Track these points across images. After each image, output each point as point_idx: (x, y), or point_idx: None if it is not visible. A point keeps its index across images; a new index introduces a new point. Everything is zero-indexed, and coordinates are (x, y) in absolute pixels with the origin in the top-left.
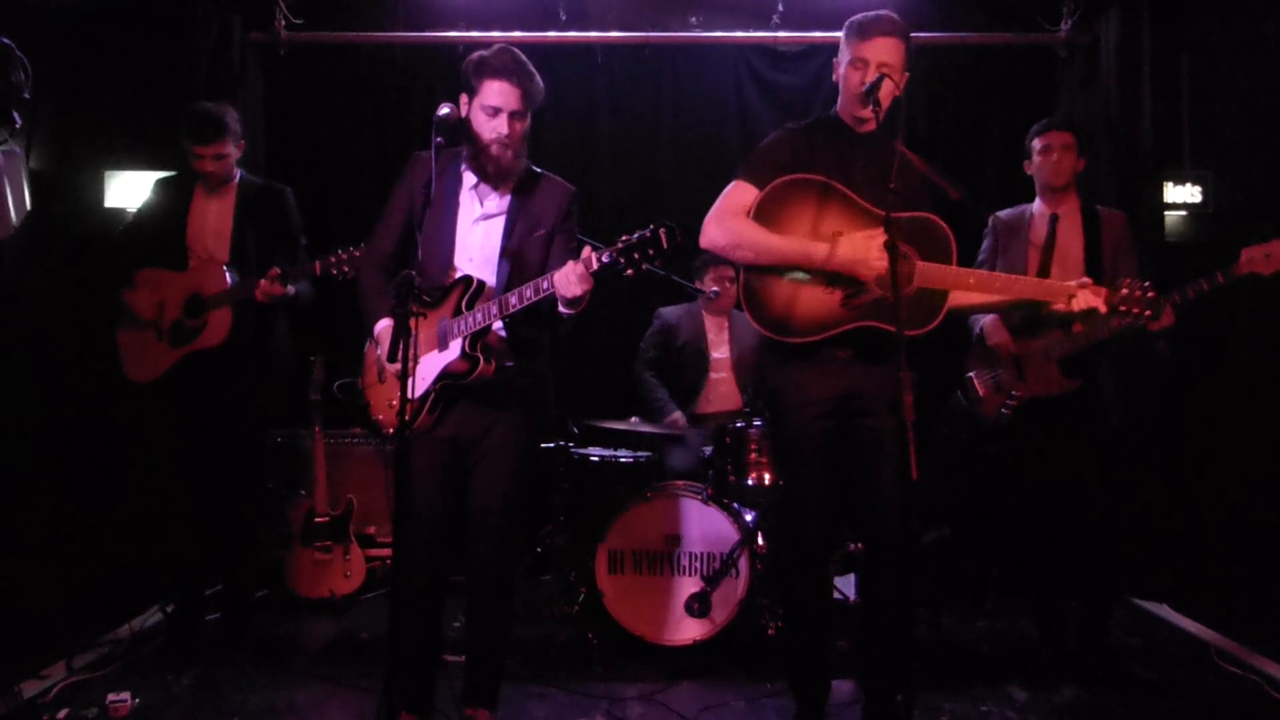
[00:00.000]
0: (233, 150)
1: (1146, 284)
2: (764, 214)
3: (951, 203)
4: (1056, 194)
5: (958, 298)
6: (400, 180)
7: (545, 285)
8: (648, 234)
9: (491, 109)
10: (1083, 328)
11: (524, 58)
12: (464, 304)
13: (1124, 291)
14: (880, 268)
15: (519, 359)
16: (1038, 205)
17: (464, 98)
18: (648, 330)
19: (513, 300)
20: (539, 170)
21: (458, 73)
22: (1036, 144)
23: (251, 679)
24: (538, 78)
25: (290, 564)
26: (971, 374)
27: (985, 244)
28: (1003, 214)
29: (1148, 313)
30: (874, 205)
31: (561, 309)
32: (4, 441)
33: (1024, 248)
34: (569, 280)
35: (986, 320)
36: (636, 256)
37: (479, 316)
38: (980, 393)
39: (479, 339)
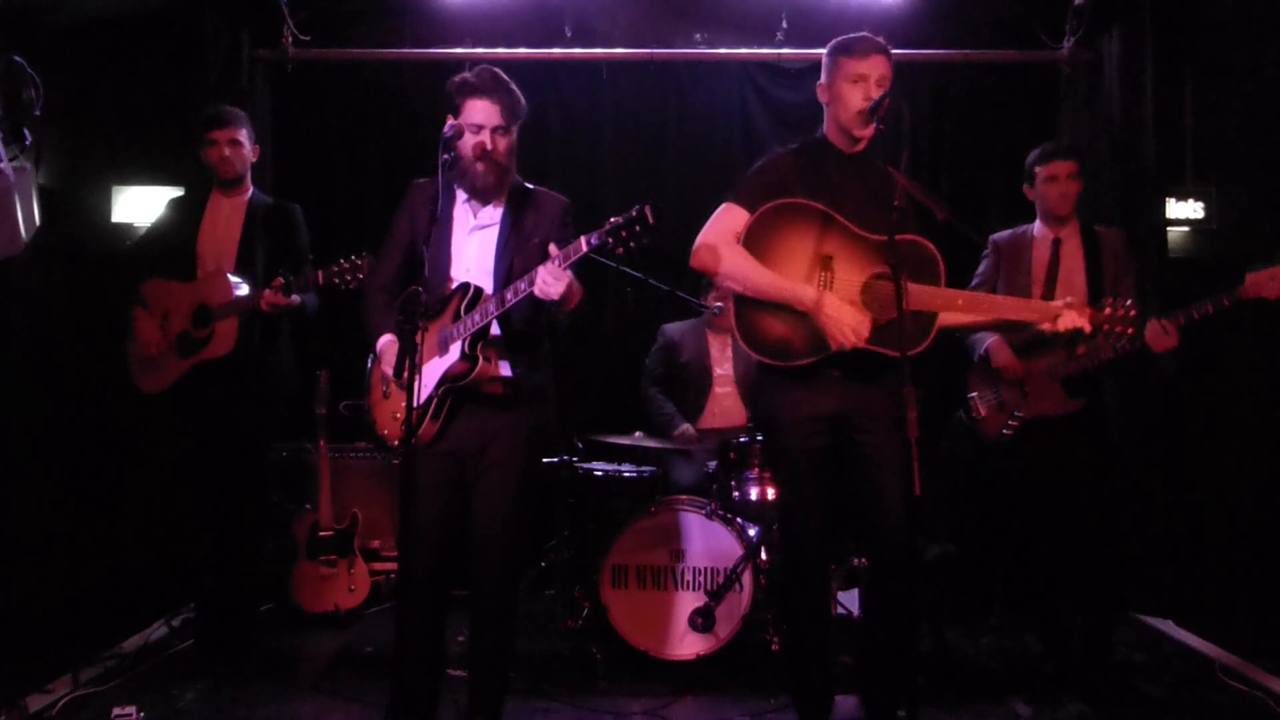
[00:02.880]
0: (246, 142)
1: (1128, 302)
2: (754, 240)
3: (938, 223)
4: (1059, 220)
5: (947, 318)
6: (401, 206)
7: (523, 287)
8: (633, 214)
9: (475, 126)
10: (1086, 349)
11: (504, 75)
12: (462, 309)
13: (1107, 311)
14: (848, 344)
15: (521, 368)
16: (1039, 228)
17: (450, 119)
18: (652, 347)
19: (508, 296)
20: (530, 186)
21: None
22: (1040, 172)
23: (256, 693)
24: (518, 93)
25: (295, 578)
26: (974, 394)
27: (984, 264)
28: (1002, 236)
29: (1130, 331)
30: (863, 229)
31: (553, 308)
32: (10, 453)
33: (1027, 272)
34: (545, 281)
35: (991, 341)
36: (624, 235)
37: (476, 318)
38: (982, 413)
39: (478, 339)
